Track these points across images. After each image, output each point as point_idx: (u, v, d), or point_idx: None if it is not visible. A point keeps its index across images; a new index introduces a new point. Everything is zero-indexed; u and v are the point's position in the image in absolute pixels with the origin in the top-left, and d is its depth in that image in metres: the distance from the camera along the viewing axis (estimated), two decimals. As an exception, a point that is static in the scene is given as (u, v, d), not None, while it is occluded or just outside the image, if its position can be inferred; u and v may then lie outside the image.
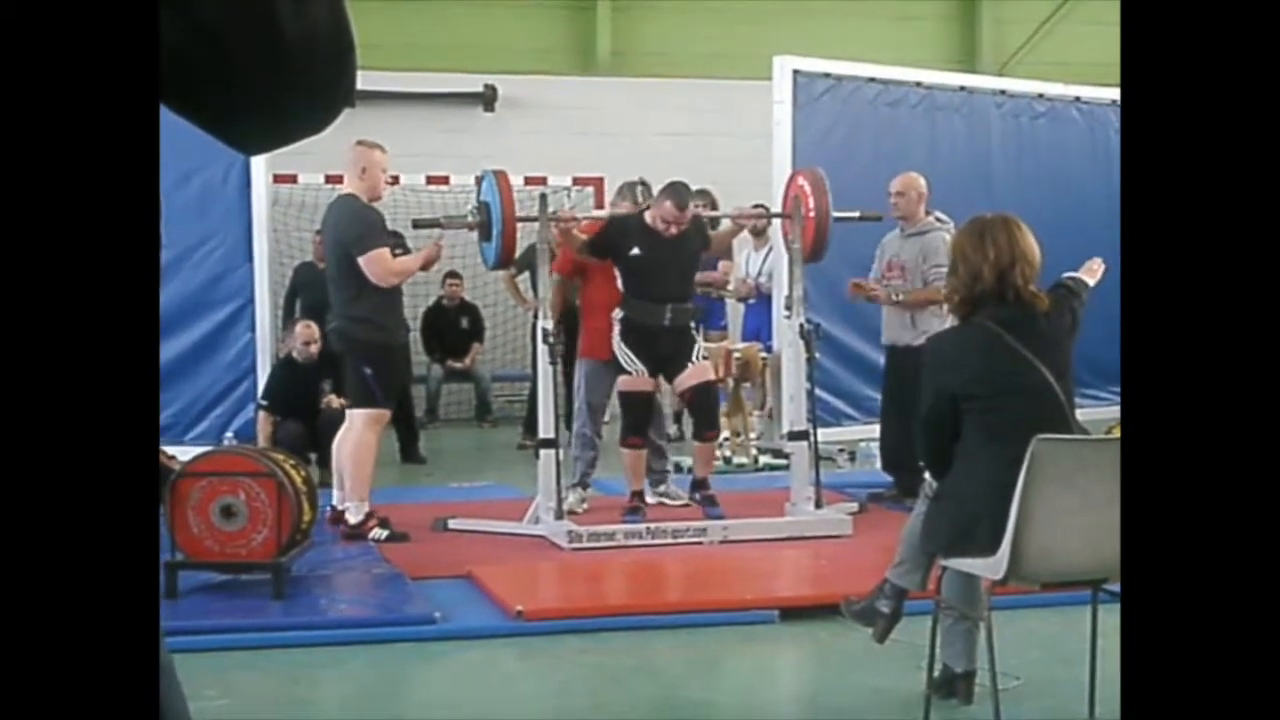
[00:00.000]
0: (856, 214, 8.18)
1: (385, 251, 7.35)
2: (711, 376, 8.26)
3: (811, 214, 7.91)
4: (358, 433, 7.40)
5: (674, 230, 7.69)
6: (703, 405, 7.99)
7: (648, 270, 7.71)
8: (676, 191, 7.72)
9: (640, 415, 7.88)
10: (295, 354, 9.17)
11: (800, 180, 8.15)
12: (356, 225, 7.33)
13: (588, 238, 7.97)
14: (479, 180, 7.79)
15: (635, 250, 7.72)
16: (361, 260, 7.22)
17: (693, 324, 8.08)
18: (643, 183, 8.47)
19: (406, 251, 9.08)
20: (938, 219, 8.08)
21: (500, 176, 7.54)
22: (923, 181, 8.22)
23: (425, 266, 7.93)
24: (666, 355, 7.81)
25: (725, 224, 8.97)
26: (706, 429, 8.00)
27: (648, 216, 7.83)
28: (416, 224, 8.09)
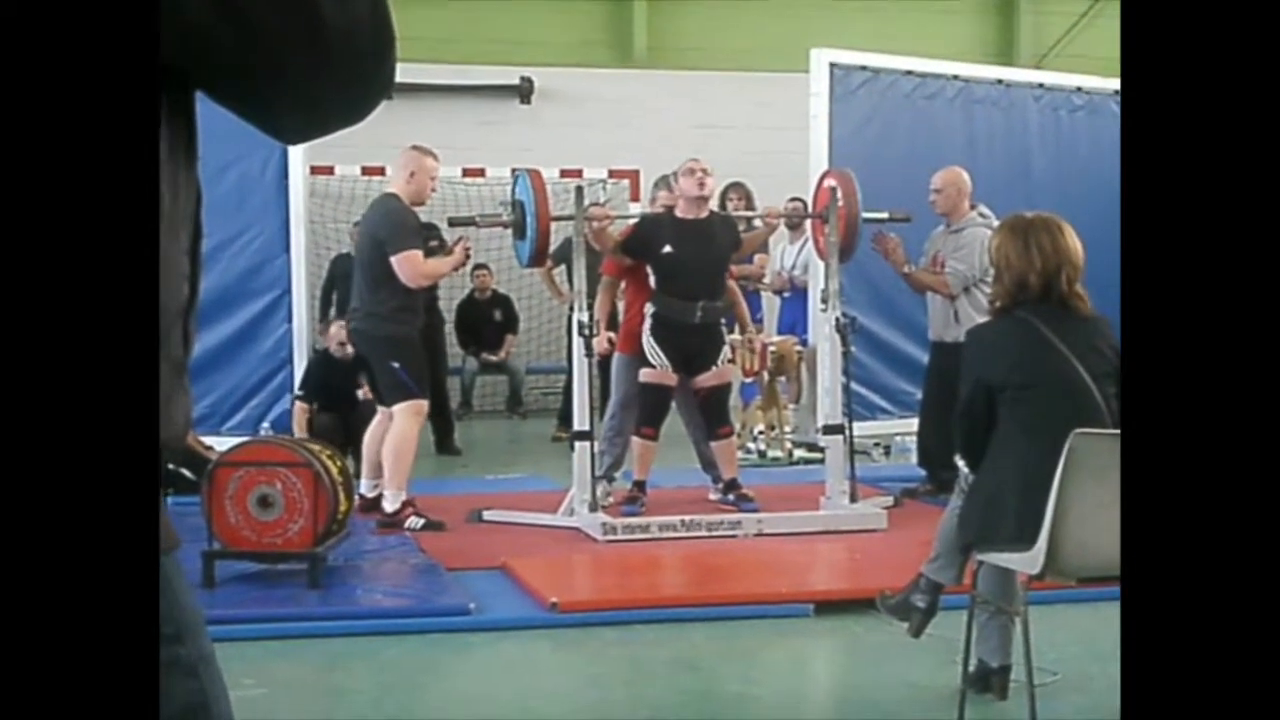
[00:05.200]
0: (885, 215, 8.17)
1: (418, 254, 7.44)
2: (730, 380, 8.28)
3: (841, 213, 7.90)
4: (399, 424, 7.45)
5: (704, 189, 7.77)
6: (715, 404, 8.02)
7: (679, 267, 7.74)
8: (688, 165, 7.88)
9: (657, 408, 7.92)
10: (332, 351, 9.21)
11: (830, 181, 8.14)
12: (393, 225, 7.43)
13: (621, 238, 8.03)
14: (515, 173, 7.84)
15: (667, 248, 7.77)
16: (394, 260, 7.31)
17: (723, 321, 8.11)
18: (676, 174, 8.49)
19: (442, 244, 9.11)
20: (980, 214, 8.03)
21: (534, 175, 7.59)
22: (965, 176, 8.16)
23: (455, 268, 8.03)
24: (694, 353, 7.85)
25: (758, 225, 8.96)
26: (719, 426, 8.04)
27: (678, 210, 7.88)
28: (452, 222, 8.18)
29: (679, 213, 7.89)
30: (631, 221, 8.46)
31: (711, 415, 8.02)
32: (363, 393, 8.96)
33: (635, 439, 7.94)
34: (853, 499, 7.73)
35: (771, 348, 9.99)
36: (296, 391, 9.16)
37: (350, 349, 9.01)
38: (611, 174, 13.95)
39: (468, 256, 7.97)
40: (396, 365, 7.44)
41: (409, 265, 7.35)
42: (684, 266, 7.75)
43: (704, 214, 7.94)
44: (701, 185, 7.83)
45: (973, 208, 8.11)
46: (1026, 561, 4.13)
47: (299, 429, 8.88)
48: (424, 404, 7.62)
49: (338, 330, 9.18)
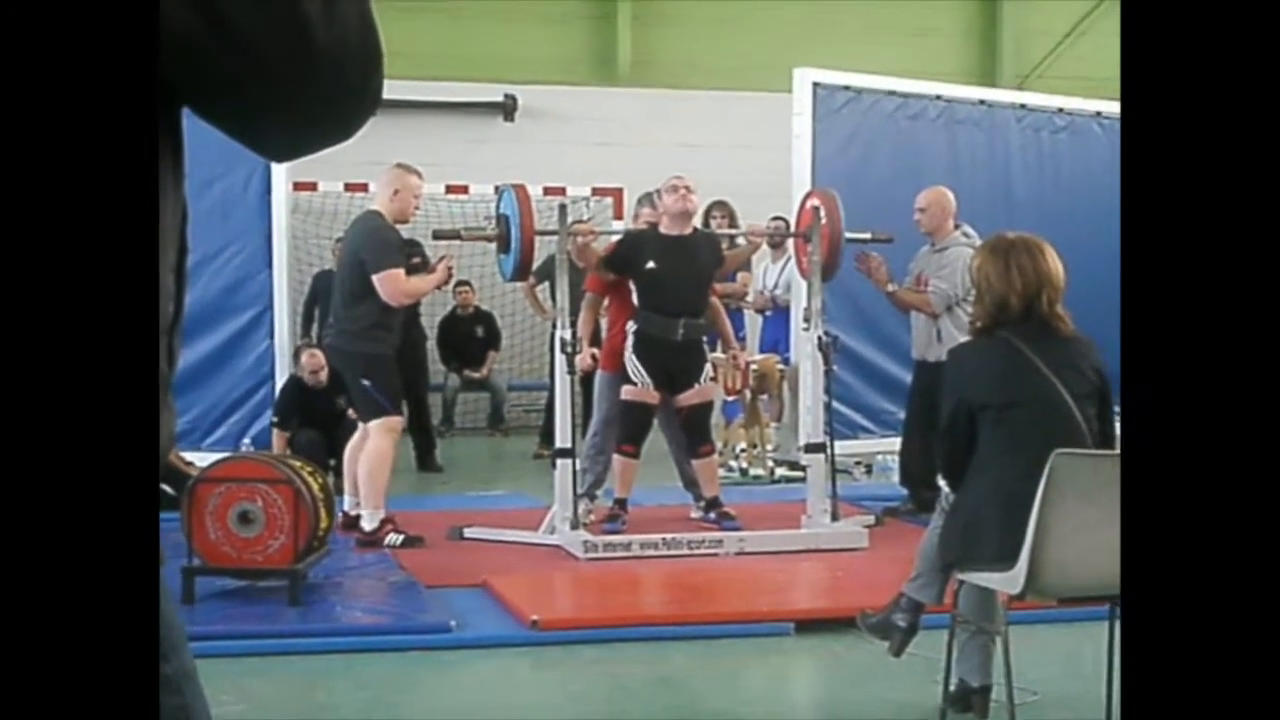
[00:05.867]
0: (868, 235, 8.21)
1: (400, 272, 7.43)
2: (713, 399, 8.26)
3: (825, 232, 7.92)
4: (373, 442, 7.44)
5: (688, 205, 7.81)
6: (696, 422, 8.00)
7: (663, 283, 7.75)
8: (671, 181, 7.92)
9: (639, 426, 7.90)
10: (305, 380, 9.16)
11: (813, 200, 8.16)
12: (375, 243, 7.41)
13: (604, 254, 8.03)
14: (499, 189, 7.84)
15: (651, 264, 7.77)
16: (376, 278, 7.30)
17: (705, 339, 8.11)
18: (659, 191, 8.49)
19: (425, 260, 9.11)
20: (965, 233, 8.05)
21: (519, 190, 7.60)
22: (949, 195, 8.19)
23: (437, 286, 8.03)
24: (675, 371, 7.85)
25: (741, 243, 8.96)
26: (700, 444, 8.03)
27: (662, 226, 7.90)
28: (437, 235, 8.17)
29: (663, 229, 7.91)
30: (615, 238, 8.46)
31: (693, 433, 8.01)
32: (352, 413, 8.92)
33: (616, 456, 7.93)
34: (834, 518, 7.73)
35: (753, 366, 10.00)
36: (272, 418, 9.13)
37: (323, 377, 8.98)
38: (595, 192, 13.96)
39: (450, 275, 7.97)
40: (368, 383, 7.42)
41: (391, 284, 7.34)
42: (667, 282, 7.75)
43: (688, 230, 7.96)
44: (685, 202, 7.85)
45: (957, 227, 8.14)
46: (1007, 581, 4.14)
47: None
48: (398, 420, 7.61)
49: (309, 359, 9.14)
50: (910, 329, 8.39)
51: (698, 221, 11.51)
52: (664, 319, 7.76)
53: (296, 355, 9.32)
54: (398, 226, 7.58)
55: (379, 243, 7.41)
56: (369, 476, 7.43)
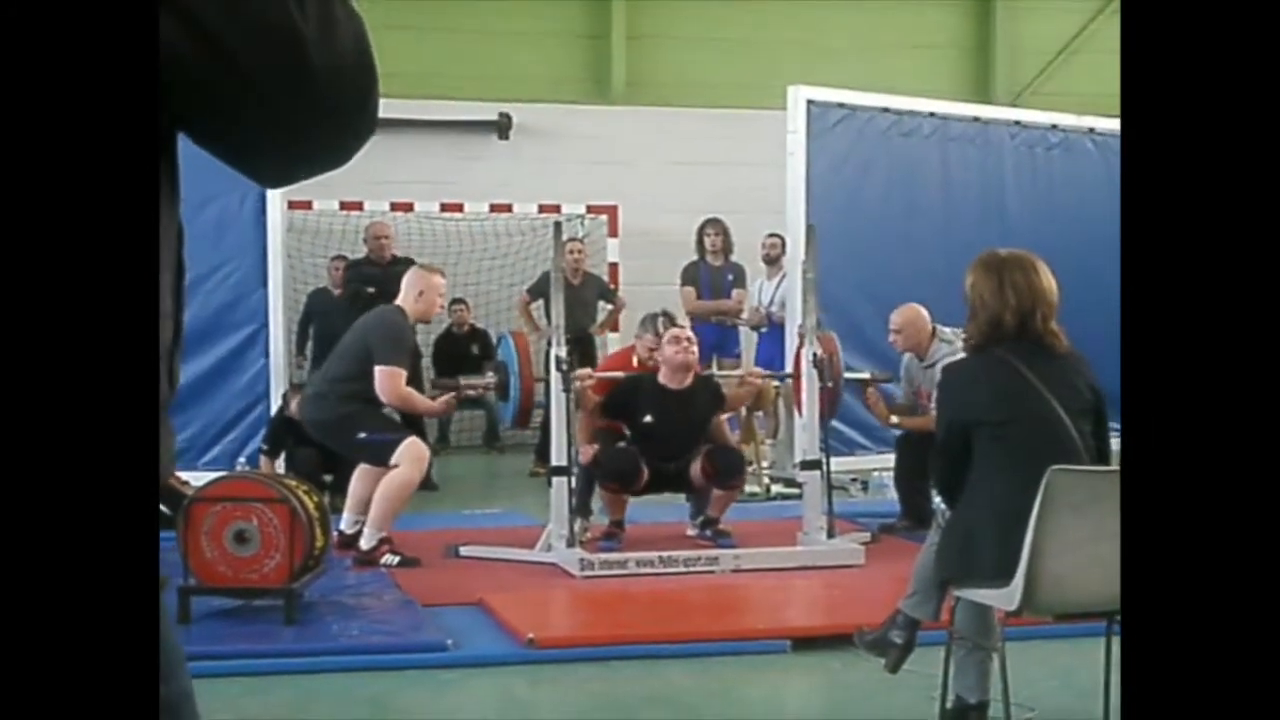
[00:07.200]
0: (867, 374, 8.42)
1: (402, 372, 7.45)
2: (723, 442, 8.23)
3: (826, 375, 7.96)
4: (403, 471, 7.33)
5: (689, 356, 7.82)
6: (725, 462, 7.89)
7: (658, 436, 7.77)
8: (672, 333, 7.97)
9: (624, 473, 7.76)
10: (298, 419, 9.03)
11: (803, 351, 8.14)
12: (390, 336, 7.48)
13: (600, 399, 7.99)
14: (500, 337, 8.04)
15: (648, 418, 7.78)
16: (378, 370, 7.32)
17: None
18: (665, 314, 8.44)
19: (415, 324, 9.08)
20: (945, 340, 8.00)
21: (518, 338, 7.78)
22: (922, 312, 8.14)
23: (430, 414, 8.11)
24: (671, 476, 7.91)
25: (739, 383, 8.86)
26: (731, 478, 7.94)
27: (661, 376, 7.88)
28: (435, 385, 8.30)
29: (662, 379, 7.88)
30: (615, 376, 8.29)
31: (724, 471, 7.88)
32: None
33: (602, 490, 7.91)
34: (830, 534, 7.73)
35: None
36: (261, 446, 9.07)
37: None
38: (590, 209, 13.98)
39: (449, 411, 8.04)
40: (364, 435, 7.39)
41: (390, 380, 7.33)
42: (662, 436, 7.77)
43: (688, 382, 7.90)
44: (686, 354, 7.80)
45: (933, 334, 8.12)
46: (1004, 598, 4.14)
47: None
48: (418, 442, 7.51)
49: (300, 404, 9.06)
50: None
51: (692, 240, 11.55)
52: (656, 461, 7.77)
53: (285, 401, 9.16)
54: (418, 323, 7.76)
55: (393, 338, 7.47)
56: (385, 499, 7.33)
